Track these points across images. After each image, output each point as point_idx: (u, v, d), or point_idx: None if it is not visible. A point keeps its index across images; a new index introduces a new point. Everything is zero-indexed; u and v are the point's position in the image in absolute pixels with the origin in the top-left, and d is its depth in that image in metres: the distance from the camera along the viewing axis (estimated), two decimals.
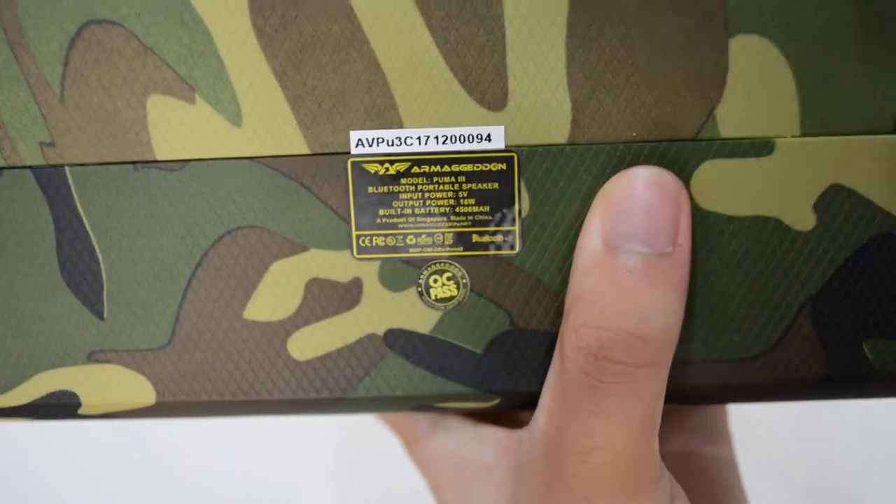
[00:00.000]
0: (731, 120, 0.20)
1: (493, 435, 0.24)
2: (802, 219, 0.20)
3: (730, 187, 0.20)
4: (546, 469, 0.21)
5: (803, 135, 0.20)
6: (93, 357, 0.22)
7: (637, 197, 0.19)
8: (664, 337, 0.19)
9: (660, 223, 0.19)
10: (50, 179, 0.21)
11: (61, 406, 0.22)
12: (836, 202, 0.20)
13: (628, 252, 0.19)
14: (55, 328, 0.22)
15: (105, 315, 0.21)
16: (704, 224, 0.20)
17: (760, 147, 0.20)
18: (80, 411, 0.23)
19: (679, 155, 0.20)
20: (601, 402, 0.19)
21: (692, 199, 0.20)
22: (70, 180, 0.21)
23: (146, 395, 0.22)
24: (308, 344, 0.21)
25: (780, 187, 0.20)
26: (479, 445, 0.24)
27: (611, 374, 0.19)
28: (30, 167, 0.21)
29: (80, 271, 0.21)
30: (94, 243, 0.21)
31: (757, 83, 0.19)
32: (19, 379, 0.22)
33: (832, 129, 0.20)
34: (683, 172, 0.20)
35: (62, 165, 0.21)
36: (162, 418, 0.24)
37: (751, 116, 0.20)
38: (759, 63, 0.19)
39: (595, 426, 0.19)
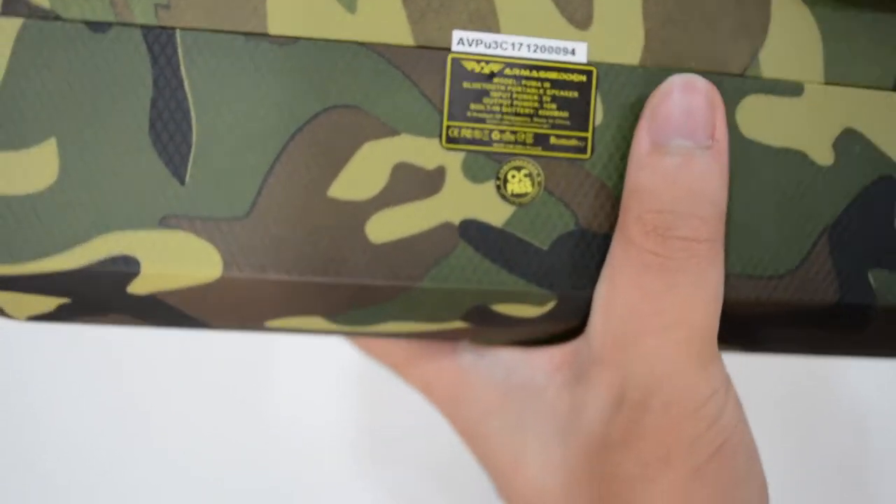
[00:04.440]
0: (771, 63, 0.23)
1: (545, 354, 0.25)
2: (824, 154, 0.24)
3: (767, 120, 0.23)
4: (619, 359, 0.22)
5: (826, 83, 0.24)
6: (164, 222, 0.22)
7: (676, 100, 0.22)
8: (716, 216, 0.22)
9: (698, 120, 0.22)
10: (158, 39, 0.22)
11: (117, 274, 0.22)
12: (850, 143, 0.24)
13: (674, 148, 0.22)
14: (130, 188, 0.21)
15: (186, 179, 0.22)
16: (745, 151, 0.23)
17: (793, 88, 0.24)
18: (131, 287, 0.22)
19: (729, 86, 0.23)
20: (672, 278, 0.21)
21: (737, 128, 0.23)
22: (178, 42, 0.22)
23: (212, 267, 0.22)
24: (386, 227, 0.22)
25: (806, 124, 0.24)
26: (529, 369, 0.25)
27: (678, 251, 0.21)
28: (140, 26, 0.22)
29: (170, 131, 0.22)
30: (191, 105, 0.22)
31: (791, 35, 0.23)
32: (81, 238, 0.21)
33: (848, 80, 0.24)
34: (731, 102, 0.23)
35: (173, 28, 0.22)
36: (208, 321, 0.23)
37: (786, 62, 0.23)
38: (793, 19, 0.23)
39: (668, 303, 0.21)
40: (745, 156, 0.23)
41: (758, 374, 0.47)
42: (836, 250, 0.24)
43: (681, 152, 0.22)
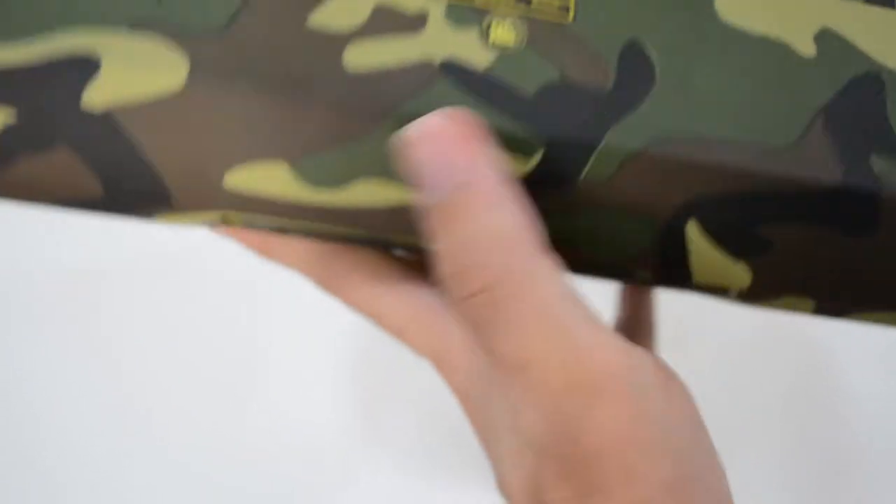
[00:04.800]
0: None
1: None
2: (806, 46, 0.24)
3: (743, 9, 0.24)
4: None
5: None
6: (135, 24, 0.21)
7: (411, 156, 0.21)
8: (497, 254, 0.20)
9: (436, 169, 0.20)
10: None
11: (73, 75, 0.20)
12: (830, 40, 0.24)
13: (432, 202, 0.20)
14: None
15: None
16: (725, 34, 0.23)
17: None
18: (87, 96, 0.20)
19: None
20: (487, 330, 0.20)
21: (715, 13, 0.24)
22: None
23: (177, 73, 0.21)
24: (364, 57, 0.21)
25: (782, 19, 0.24)
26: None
27: (476, 306, 0.20)
28: None
29: None
30: None
31: None
32: (42, 26, 0.20)
33: None
34: None
35: None
36: (164, 176, 0.22)
37: None
38: None
39: (498, 357, 0.20)
40: (725, 39, 0.23)
41: (756, 373, 0.43)
42: (833, 131, 0.23)
43: (439, 206, 0.20)
